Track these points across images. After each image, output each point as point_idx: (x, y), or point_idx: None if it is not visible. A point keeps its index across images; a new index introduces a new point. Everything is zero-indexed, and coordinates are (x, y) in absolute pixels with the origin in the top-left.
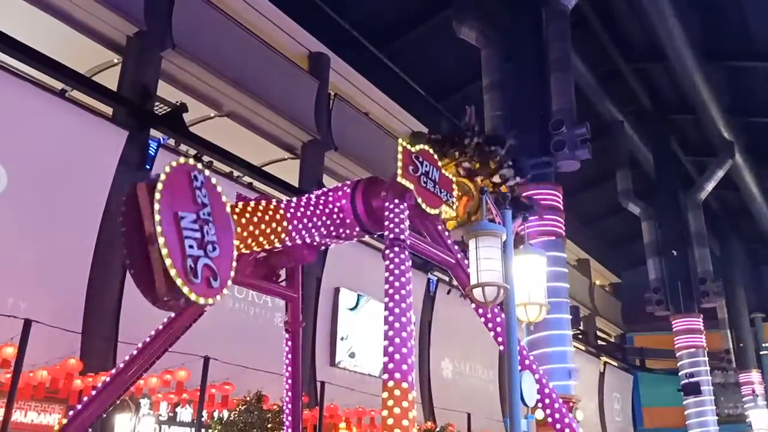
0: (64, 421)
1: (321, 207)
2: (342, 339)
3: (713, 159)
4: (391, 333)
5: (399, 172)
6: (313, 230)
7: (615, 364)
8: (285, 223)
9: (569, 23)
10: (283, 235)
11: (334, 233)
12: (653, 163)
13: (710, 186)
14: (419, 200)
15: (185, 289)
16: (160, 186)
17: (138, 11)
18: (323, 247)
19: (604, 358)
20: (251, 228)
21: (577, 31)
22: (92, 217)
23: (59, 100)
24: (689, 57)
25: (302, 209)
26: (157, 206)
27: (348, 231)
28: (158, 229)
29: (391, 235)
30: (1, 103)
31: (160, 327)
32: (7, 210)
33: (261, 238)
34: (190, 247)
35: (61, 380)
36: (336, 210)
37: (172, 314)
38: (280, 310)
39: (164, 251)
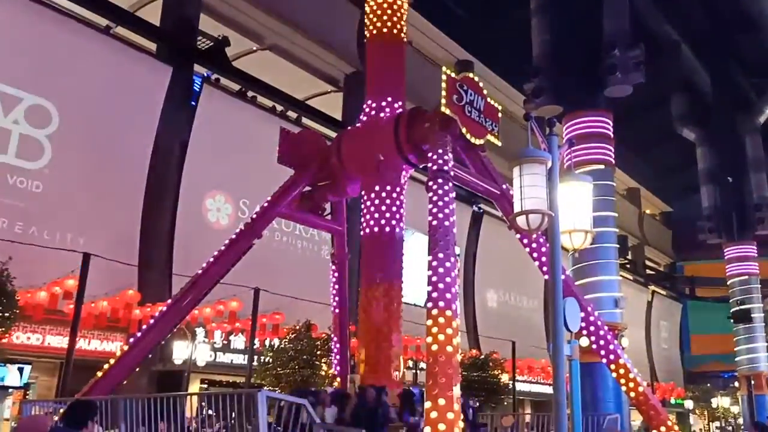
0: (126, 347)
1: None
2: None
3: None
4: (435, 263)
5: (443, 101)
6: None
7: (663, 292)
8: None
9: None
10: None
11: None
12: (710, 86)
13: None
14: (463, 130)
15: None
16: None
17: None
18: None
19: (652, 287)
20: None
21: None
22: (142, 153)
23: (105, 38)
24: None
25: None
26: None
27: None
28: None
29: (435, 167)
30: (48, 42)
31: (212, 259)
32: (59, 148)
33: None
34: None
35: (120, 310)
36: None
37: (222, 247)
38: (327, 243)
39: None
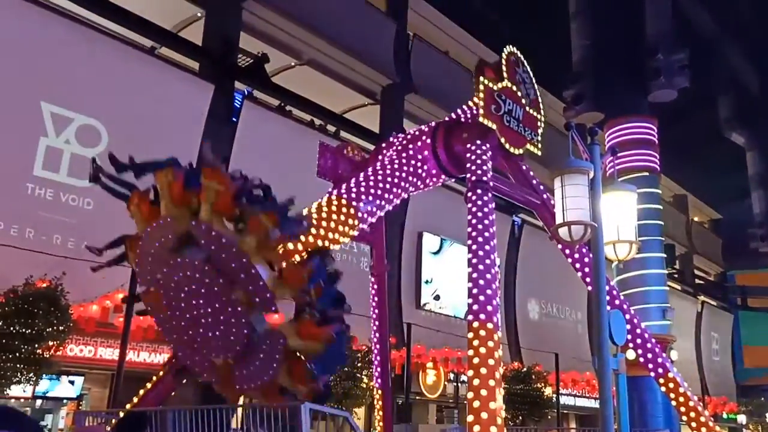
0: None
1: (400, 171)
2: (426, 282)
3: None
4: (475, 275)
5: (481, 111)
6: (394, 197)
7: (714, 303)
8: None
9: None
10: (357, 223)
11: (420, 185)
12: (759, 87)
13: None
14: (502, 140)
15: None
16: None
17: None
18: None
19: (702, 297)
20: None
21: None
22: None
23: (149, 58)
24: None
25: (373, 190)
26: None
27: (432, 179)
28: None
29: (474, 177)
30: (97, 63)
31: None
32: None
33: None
34: None
35: None
36: (418, 164)
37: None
38: (366, 254)
39: None
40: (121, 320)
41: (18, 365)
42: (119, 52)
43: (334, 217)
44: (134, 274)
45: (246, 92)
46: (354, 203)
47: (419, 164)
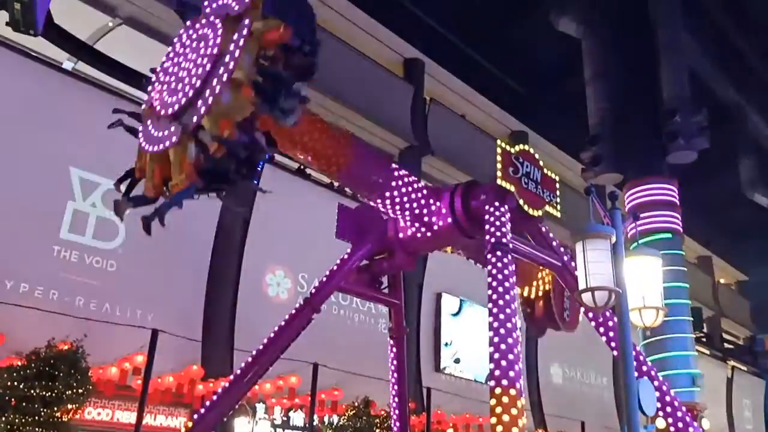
0: (190, 424)
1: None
2: (446, 345)
3: None
4: (496, 339)
5: (498, 174)
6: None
7: (744, 368)
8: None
9: (679, 4)
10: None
11: (415, 222)
12: None
13: None
14: (521, 202)
15: None
16: None
17: None
18: (424, 253)
19: (731, 362)
20: None
21: (687, 12)
22: (207, 230)
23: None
24: None
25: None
26: None
27: (435, 233)
28: None
29: (493, 239)
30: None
31: (272, 335)
32: (132, 229)
33: None
34: None
35: (185, 386)
36: (426, 207)
37: (282, 322)
38: (384, 316)
39: None
40: (139, 383)
41: (37, 429)
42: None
43: None
44: (154, 335)
45: (267, 156)
46: None
47: (428, 208)
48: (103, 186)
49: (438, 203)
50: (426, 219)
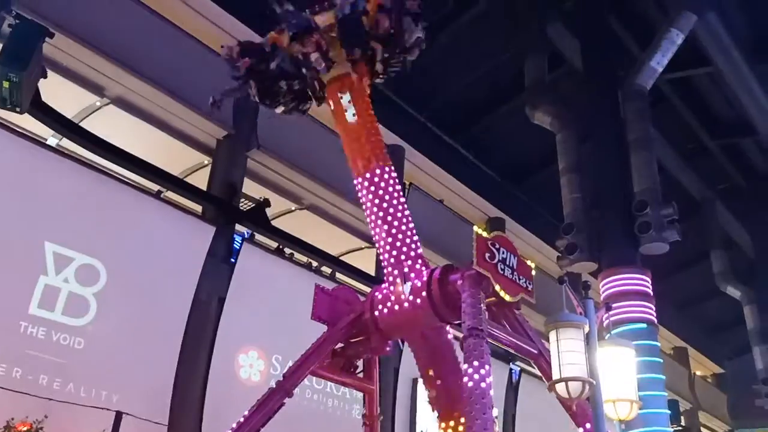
0: None
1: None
2: None
3: None
4: (474, 429)
5: (474, 260)
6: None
7: None
8: None
9: (648, 103)
10: None
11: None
12: (751, 243)
13: None
14: (497, 287)
15: None
16: None
17: (227, 116)
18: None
19: None
20: None
21: (656, 110)
22: (181, 309)
23: (154, 201)
24: None
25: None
26: None
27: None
28: None
29: (469, 324)
30: (102, 206)
31: (242, 419)
32: (104, 305)
33: None
34: None
35: None
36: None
37: (254, 406)
38: (358, 402)
39: None
40: None
41: None
42: (125, 195)
43: None
44: (118, 417)
45: (246, 234)
46: None
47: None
48: (77, 261)
49: (417, 281)
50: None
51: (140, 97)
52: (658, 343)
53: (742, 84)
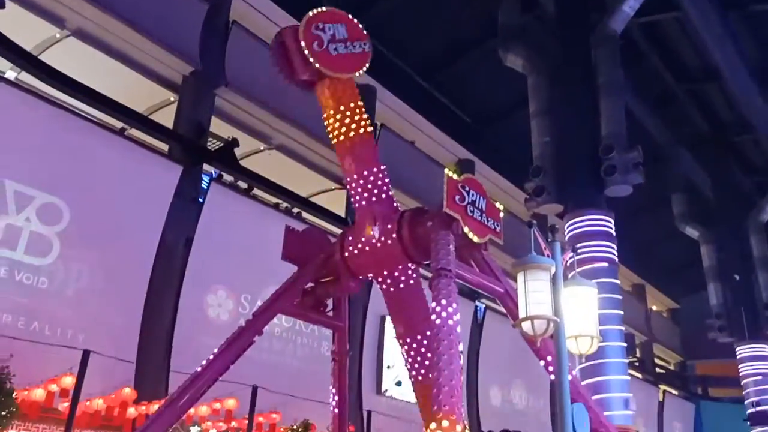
0: None
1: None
2: (388, 367)
3: None
4: (439, 364)
5: (445, 202)
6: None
7: (675, 392)
8: None
9: (618, 47)
10: None
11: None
12: (711, 186)
13: None
14: (466, 229)
15: None
16: None
17: (193, 51)
18: (370, 277)
19: (663, 387)
20: None
21: (626, 56)
22: (148, 249)
23: (119, 139)
24: (746, 77)
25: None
26: None
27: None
28: None
29: (438, 265)
30: (64, 142)
31: (211, 357)
32: (67, 245)
33: None
34: None
35: (116, 409)
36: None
37: (223, 344)
38: (327, 338)
39: None
40: (66, 405)
41: None
42: (89, 132)
43: None
44: (85, 356)
45: (214, 174)
46: None
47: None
48: (38, 199)
49: (387, 223)
50: (379, 225)
51: (102, 29)
52: (618, 281)
53: (709, 30)
